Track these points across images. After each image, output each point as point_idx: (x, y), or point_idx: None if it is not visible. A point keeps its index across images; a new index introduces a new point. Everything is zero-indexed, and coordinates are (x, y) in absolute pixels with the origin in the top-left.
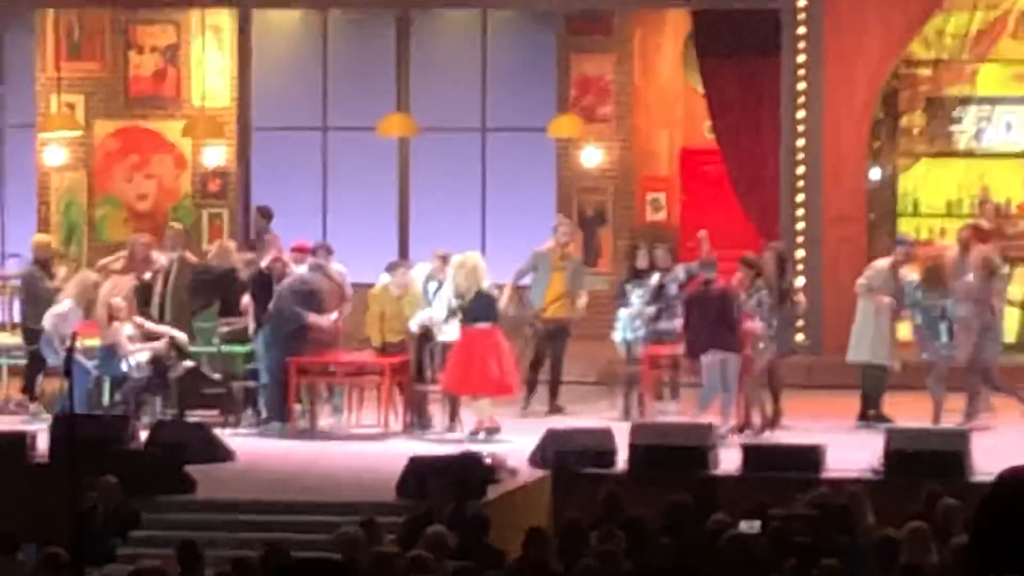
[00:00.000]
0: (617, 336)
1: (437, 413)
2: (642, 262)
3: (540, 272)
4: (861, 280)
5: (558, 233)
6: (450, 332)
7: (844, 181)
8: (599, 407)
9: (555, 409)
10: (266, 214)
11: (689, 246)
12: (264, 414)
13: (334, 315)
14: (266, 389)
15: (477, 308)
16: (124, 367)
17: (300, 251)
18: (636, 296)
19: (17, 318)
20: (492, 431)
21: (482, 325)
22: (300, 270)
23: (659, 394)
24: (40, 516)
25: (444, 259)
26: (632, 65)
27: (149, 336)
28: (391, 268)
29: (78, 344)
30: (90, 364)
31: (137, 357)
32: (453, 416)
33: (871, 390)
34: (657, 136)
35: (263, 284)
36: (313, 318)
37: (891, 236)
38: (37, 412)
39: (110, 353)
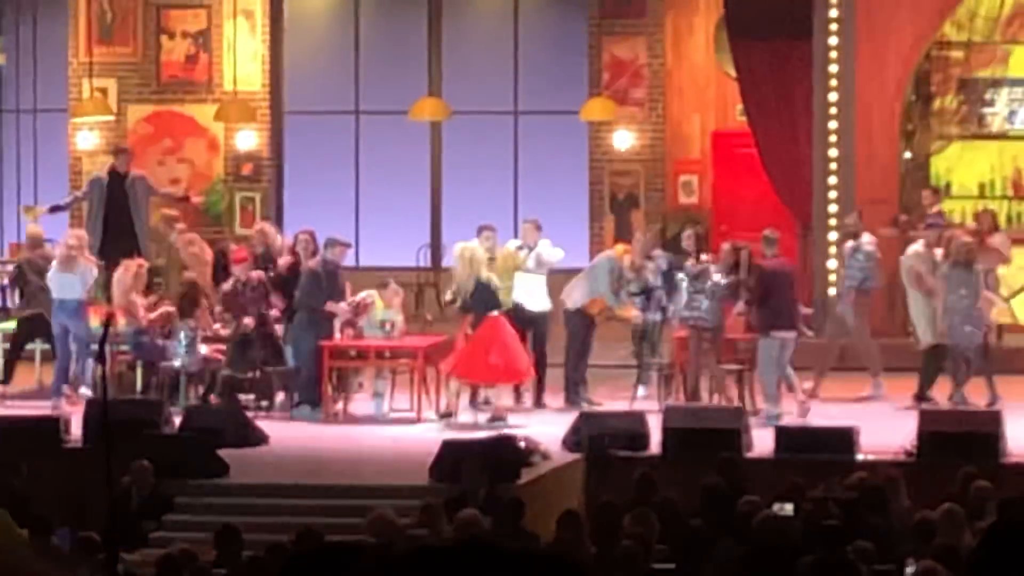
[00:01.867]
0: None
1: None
2: (686, 244)
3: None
4: (911, 274)
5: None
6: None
7: (876, 164)
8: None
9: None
10: (125, 151)
11: (722, 230)
12: (296, 399)
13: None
14: (298, 374)
15: (477, 298)
16: (180, 357)
17: (241, 260)
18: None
19: None
20: (501, 418)
21: (486, 314)
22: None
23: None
24: (74, 500)
25: (537, 226)
26: (664, 48)
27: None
28: (480, 231)
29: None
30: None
31: (201, 349)
32: (448, 401)
33: (934, 372)
34: (689, 119)
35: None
36: (330, 305)
37: (922, 219)
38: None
39: (140, 337)
